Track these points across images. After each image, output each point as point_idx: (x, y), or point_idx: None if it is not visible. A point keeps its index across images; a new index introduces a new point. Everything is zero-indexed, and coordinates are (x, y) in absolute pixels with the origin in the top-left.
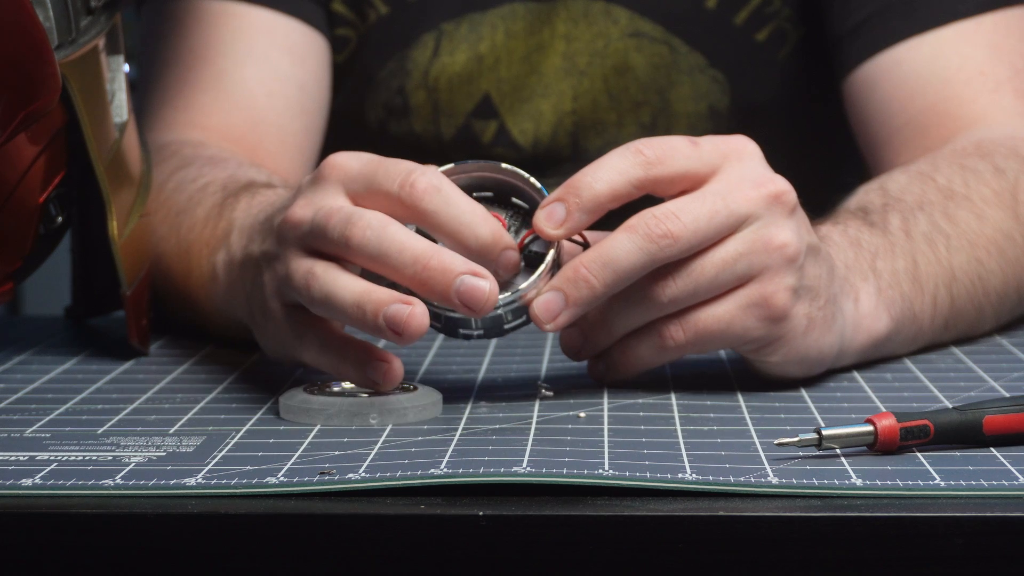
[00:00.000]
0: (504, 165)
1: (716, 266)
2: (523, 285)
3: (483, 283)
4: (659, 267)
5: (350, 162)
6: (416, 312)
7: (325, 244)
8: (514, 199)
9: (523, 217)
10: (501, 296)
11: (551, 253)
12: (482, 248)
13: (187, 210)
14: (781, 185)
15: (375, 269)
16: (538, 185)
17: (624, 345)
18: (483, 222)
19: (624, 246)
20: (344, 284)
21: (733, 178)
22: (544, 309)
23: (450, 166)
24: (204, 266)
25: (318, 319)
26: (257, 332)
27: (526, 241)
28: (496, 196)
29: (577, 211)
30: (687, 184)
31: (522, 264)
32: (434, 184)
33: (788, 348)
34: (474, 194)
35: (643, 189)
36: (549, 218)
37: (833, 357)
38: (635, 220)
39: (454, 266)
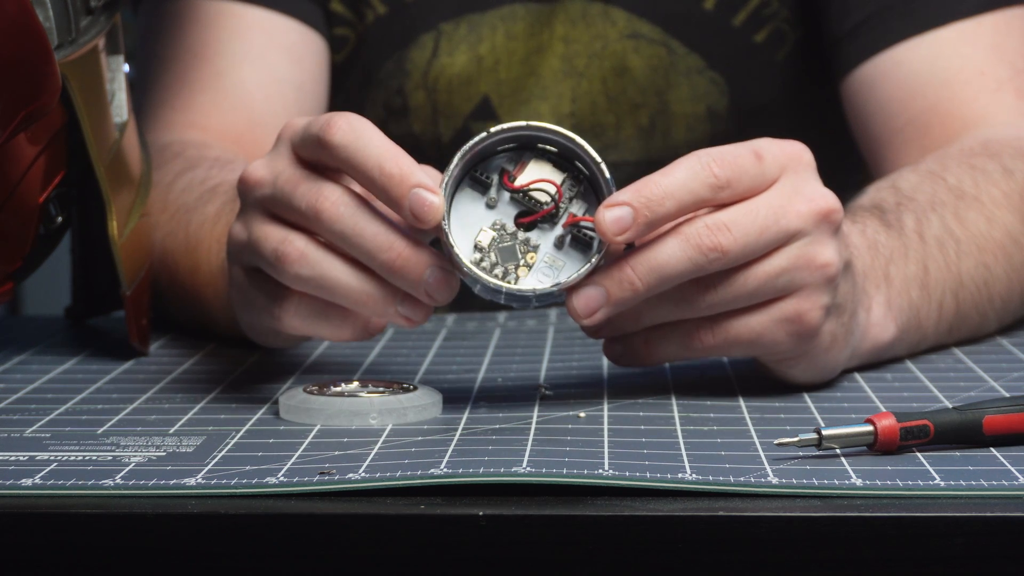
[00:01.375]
0: (567, 132)
1: (759, 279)
2: (564, 279)
3: (451, 279)
4: None
5: (299, 121)
6: (427, 310)
7: (290, 212)
8: (577, 163)
9: (581, 185)
10: (542, 288)
11: (600, 255)
12: (385, 181)
13: (197, 208)
14: (832, 203)
15: (343, 246)
16: (597, 158)
17: (649, 336)
18: (391, 157)
19: (673, 253)
20: (341, 268)
21: (787, 191)
22: (584, 304)
23: (510, 124)
24: (214, 261)
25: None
26: (236, 312)
27: (580, 221)
28: (560, 154)
29: (645, 224)
30: (746, 197)
31: (568, 238)
32: (350, 123)
33: (808, 363)
34: (539, 145)
35: (706, 206)
36: (616, 224)
37: (843, 367)
38: (687, 228)
39: (422, 258)
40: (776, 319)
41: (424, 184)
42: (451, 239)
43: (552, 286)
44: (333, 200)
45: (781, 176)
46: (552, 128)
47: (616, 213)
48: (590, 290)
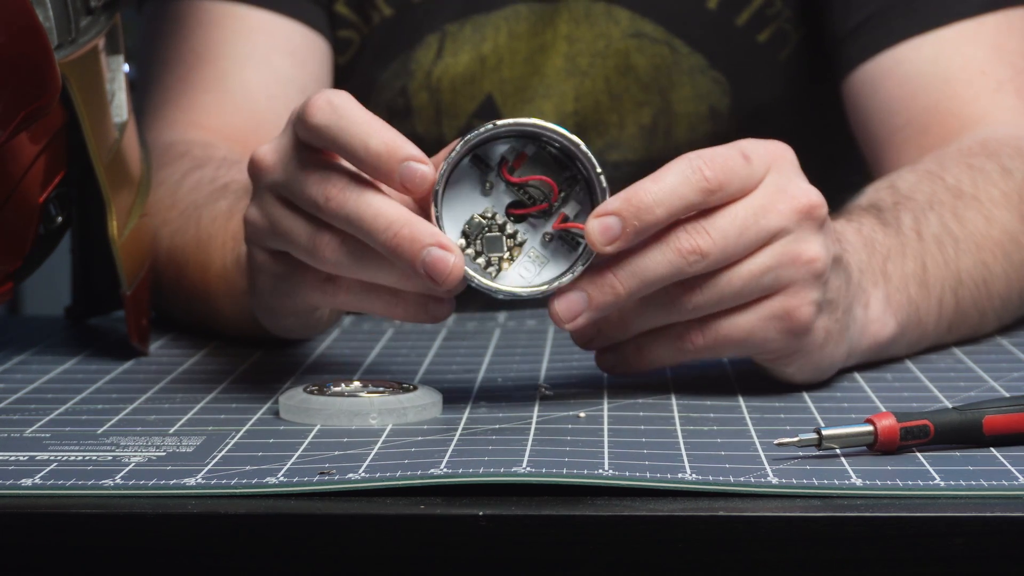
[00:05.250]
0: (572, 137)
1: (743, 279)
2: (555, 281)
3: (448, 256)
4: None
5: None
6: (450, 304)
7: (303, 201)
8: (577, 163)
9: (577, 185)
10: (536, 287)
11: (586, 263)
12: (373, 159)
13: (208, 204)
14: (814, 199)
15: (348, 229)
16: (597, 168)
17: (640, 343)
18: (376, 133)
19: (654, 257)
20: (374, 263)
21: (770, 191)
22: (566, 308)
23: (518, 119)
24: (228, 256)
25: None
26: (259, 298)
27: (570, 228)
28: (561, 152)
29: (634, 233)
30: (735, 199)
31: (555, 237)
32: (329, 100)
33: (804, 360)
34: (542, 139)
35: (696, 210)
36: (604, 233)
37: (841, 364)
38: (666, 233)
39: (423, 237)
40: (765, 317)
41: (413, 156)
42: (442, 225)
43: (542, 284)
44: (338, 188)
45: (766, 176)
46: (558, 130)
47: (605, 222)
48: (572, 295)
